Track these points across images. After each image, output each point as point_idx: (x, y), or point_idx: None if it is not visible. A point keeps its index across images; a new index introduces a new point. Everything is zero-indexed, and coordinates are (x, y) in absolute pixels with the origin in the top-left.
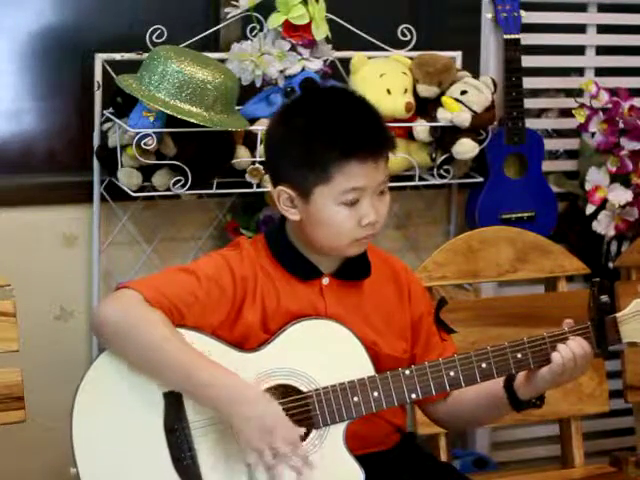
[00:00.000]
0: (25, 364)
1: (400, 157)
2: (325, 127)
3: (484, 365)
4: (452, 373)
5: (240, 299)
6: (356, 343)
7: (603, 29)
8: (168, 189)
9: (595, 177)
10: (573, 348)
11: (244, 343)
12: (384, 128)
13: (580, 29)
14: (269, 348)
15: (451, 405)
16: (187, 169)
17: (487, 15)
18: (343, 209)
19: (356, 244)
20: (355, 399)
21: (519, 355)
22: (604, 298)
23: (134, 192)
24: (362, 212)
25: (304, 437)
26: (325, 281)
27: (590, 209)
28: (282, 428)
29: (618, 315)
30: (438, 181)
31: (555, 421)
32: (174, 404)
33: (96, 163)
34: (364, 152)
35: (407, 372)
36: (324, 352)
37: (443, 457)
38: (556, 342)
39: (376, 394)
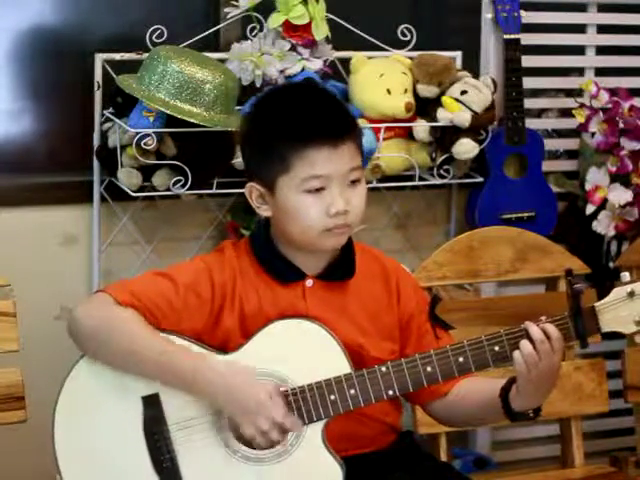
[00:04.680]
0: (25, 364)
1: (400, 157)
2: (281, 117)
3: (461, 359)
4: (429, 368)
5: (218, 306)
6: (332, 341)
7: (603, 29)
8: (168, 189)
9: (595, 177)
10: (533, 334)
11: (224, 348)
12: (342, 114)
13: (580, 29)
14: (245, 348)
15: (453, 403)
16: (187, 169)
17: (487, 15)
18: (307, 197)
19: (329, 235)
20: (332, 397)
21: (496, 348)
22: (578, 286)
23: (134, 192)
24: (328, 201)
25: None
26: (309, 283)
27: (590, 209)
28: (264, 409)
29: (597, 304)
30: (438, 181)
31: (555, 421)
32: (153, 407)
33: (96, 163)
34: (320, 138)
35: (383, 369)
36: (300, 351)
37: (443, 457)
38: None
39: (353, 391)
